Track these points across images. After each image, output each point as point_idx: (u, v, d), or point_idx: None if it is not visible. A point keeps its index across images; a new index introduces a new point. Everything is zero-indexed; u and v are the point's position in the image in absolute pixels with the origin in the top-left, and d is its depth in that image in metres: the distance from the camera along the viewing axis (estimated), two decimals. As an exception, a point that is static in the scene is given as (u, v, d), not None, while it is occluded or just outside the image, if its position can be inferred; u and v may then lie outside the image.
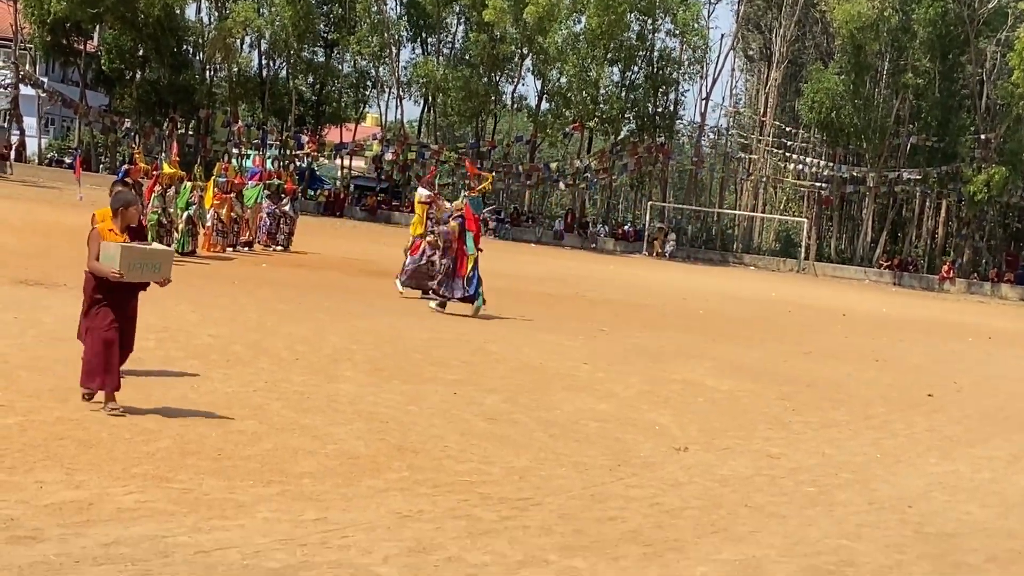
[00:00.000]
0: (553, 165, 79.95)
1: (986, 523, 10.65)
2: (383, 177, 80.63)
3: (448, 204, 26.13)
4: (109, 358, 10.98)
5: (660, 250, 72.45)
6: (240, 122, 78.39)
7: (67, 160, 73.00)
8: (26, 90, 77.96)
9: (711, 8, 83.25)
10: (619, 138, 78.09)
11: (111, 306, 11.21)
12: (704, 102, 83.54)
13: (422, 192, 27.01)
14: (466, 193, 26.91)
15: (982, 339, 33.71)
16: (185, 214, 30.36)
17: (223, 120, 79.23)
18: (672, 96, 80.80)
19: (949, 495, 11.67)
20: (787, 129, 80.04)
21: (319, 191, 79.14)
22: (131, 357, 12.00)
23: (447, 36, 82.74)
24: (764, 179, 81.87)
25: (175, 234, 30.00)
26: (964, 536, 10.06)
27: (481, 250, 24.32)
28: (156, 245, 11.30)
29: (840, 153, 76.51)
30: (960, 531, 10.21)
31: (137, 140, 72.58)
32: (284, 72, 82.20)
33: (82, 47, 79.32)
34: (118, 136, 76.30)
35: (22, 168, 69.23)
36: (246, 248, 35.45)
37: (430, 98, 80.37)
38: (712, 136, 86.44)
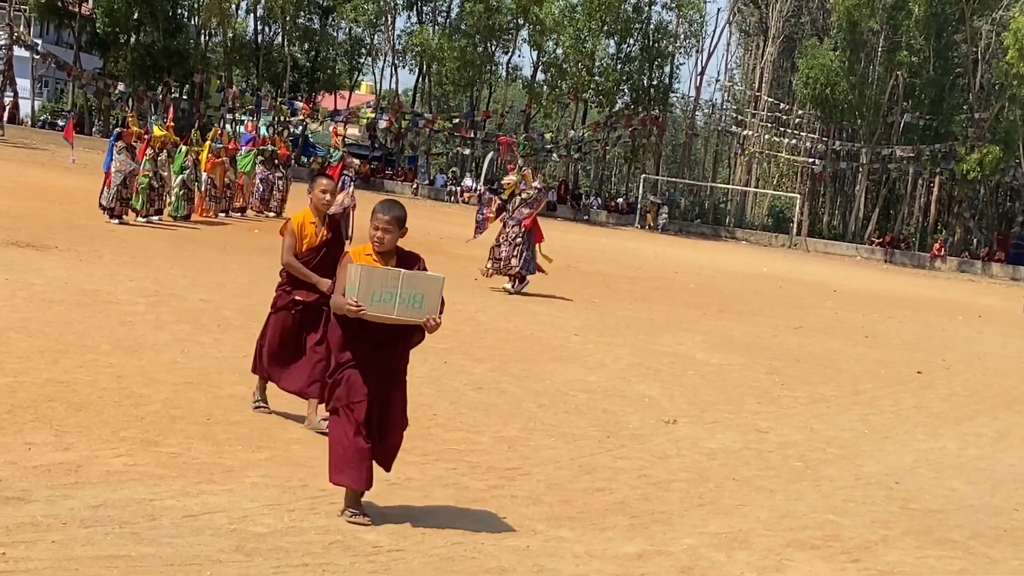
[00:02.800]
0: (547, 136, 79.83)
1: (972, 500, 10.69)
2: (377, 145, 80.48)
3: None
4: (357, 445, 7.73)
5: (652, 223, 72.40)
6: (235, 87, 78.13)
7: (60, 123, 72.65)
8: (20, 52, 77.58)
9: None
10: (614, 110, 77.95)
11: (362, 366, 7.76)
12: (699, 76, 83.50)
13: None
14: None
15: (971, 317, 33.77)
16: (179, 178, 30.30)
17: (217, 85, 78.94)
18: (667, 69, 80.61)
19: (935, 472, 11.71)
20: (781, 104, 79.95)
21: (312, 158, 78.98)
22: (131, 352, 11.97)
23: (443, 5, 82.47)
24: (757, 154, 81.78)
25: (168, 198, 29.97)
26: (950, 512, 10.10)
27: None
28: (420, 271, 7.73)
29: (834, 129, 76.43)
30: (946, 507, 10.25)
31: (131, 104, 72.33)
32: (279, 38, 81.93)
33: (77, 10, 78.95)
34: (111, 99, 76.01)
35: (14, 130, 68.96)
36: (239, 214, 35.41)
37: (425, 67, 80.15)
38: (706, 110, 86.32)
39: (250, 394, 10.94)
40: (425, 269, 7.93)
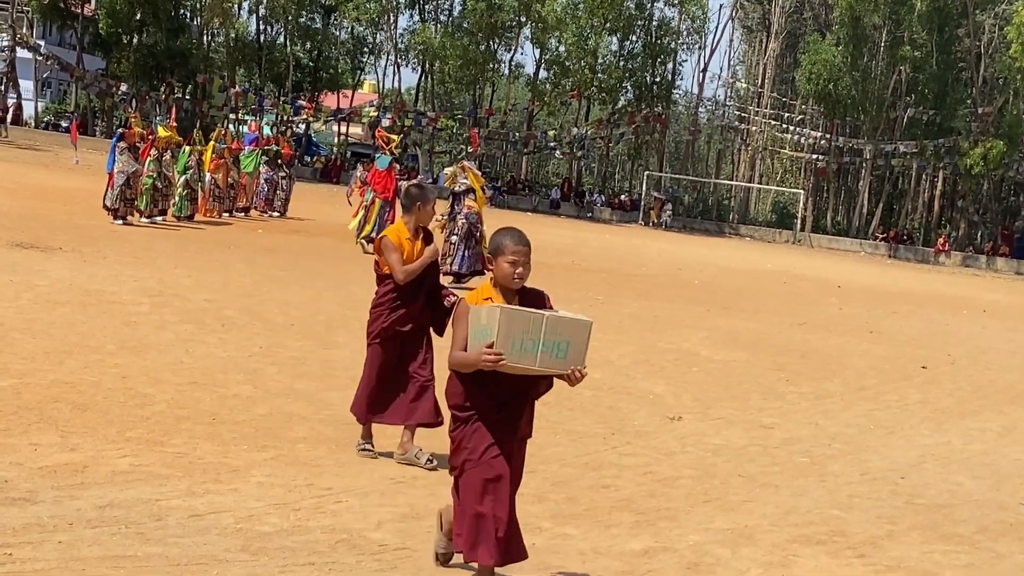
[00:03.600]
0: (550, 133, 79.86)
1: (977, 494, 10.69)
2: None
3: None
4: (495, 510, 6.46)
5: (656, 220, 72.39)
6: (237, 87, 78.18)
7: (64, 124, 72.80)
8: (23, 53, 77.65)
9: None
10: (617, 107, 77.96)
11: (490, 422, 6.54)
12: (702, 72, 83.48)
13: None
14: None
15: (976, 312, 33.73)
16: (183, 178, 30.32)
17: (220, 85, 78.98)
18: (670, 66, 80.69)
19: (941, 466, 11.70)
20: (784, 100, 79.91)
21: (315, 158, 79.01)
22: (135, 352, 11.99)
23: (445, 3, 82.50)
24: (761, 150, 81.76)
25: (173, 199, 29.99)
26: (955, 507, 10.09)
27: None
28: (562, 311, 6.45)
29: (837, 125, 76.40)
30: (951, 502, 10.25)
31: (134, 104, 72.40)
32: (281, 37, 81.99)
33: (79, 10, 79.00)
34: (115, 100, 76.08)
35: (18, 131, 69.02)
36: (242, 214, 35.43)
37: (427, 65, 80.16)
38: (709, 106, 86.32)
39: (256, 395, 10.94)
40: (553, 308, 6.67)
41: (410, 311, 9.45)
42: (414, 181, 13.23)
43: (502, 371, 6.21)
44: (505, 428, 6.55)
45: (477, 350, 6.16)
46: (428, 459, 9.27)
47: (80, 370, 11.08)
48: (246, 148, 36.89)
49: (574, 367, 6.31)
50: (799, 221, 76.85)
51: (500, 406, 6.52)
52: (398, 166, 30.05)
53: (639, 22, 78.04)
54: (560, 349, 6.26)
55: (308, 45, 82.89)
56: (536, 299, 6.71)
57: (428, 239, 9.62)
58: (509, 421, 6.59)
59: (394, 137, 31.70)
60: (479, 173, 24.26)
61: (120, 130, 29.80)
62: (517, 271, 6.55)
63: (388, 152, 28.58)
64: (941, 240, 72.50)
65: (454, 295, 9.16)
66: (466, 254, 23.22)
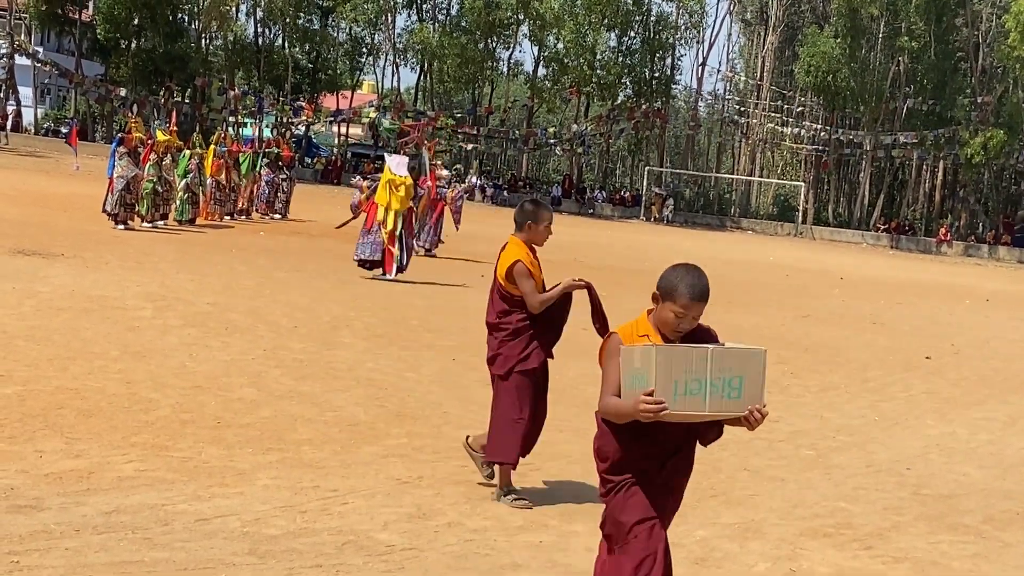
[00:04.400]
0: (550, 130, 79.86)
1: (983, 484, 10.68)
2: (380, 144, 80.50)
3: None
4: None
5: (658, 215, 72.39)
6: (236, 90, 78.20)
7: (63, 130, 72.83)
8: (21, 60, 77.66)
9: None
10: (616, 103, 77.96)
11: (649, 487, 5.56)
12: (700, 67, 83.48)
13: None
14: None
15: (979, 301, 33.72)
16: (183, 182, 30.32)
17: (219, 88, 79.03)
18: (668, 61, 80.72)
19: (946, 457, 11.69)
20: (783, 93, 79.88)
21: (316, 159, 79.01)
22: (139, 357, 11.97)
23: (443, 2, 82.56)
24: (761, 143, 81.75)
25: (174, 203, 30.00)
26: (961, 497, 10.09)
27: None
28: (729, 342, 5.45)
29: (836, 117, 76.40)
30: (957, 492, 10.24)
31: (134, 109, 72.49)
32: (280, 40, 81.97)
33: (77, 16, 79.01)
34: (114, 105, 76.09)
35: (18, 138, 69.03)
36: (243, 216, 35.45)
37: (426, 65, 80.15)
38: (709, 100, 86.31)
39: (260, 397, 10.95)
40: (718, 340, 5.58)
41: (551, 338, 9.06)
42: (529, 197, 12.13)
43: (665, 420, 5.16)
44: (666, 493, 5.61)
45: (633, 398, 5.12)
46: (490, 475, 8.95)
47: (84, 376, 11.08)
48: (244, 150, 36.96)
49: (752, 406, 5.29)
50: (800, 214, 76.86)
51: (662, 465, 5.53)
52: (443, 171, 30.20)
53: (637, 17, 78.07)
54: (732, 387, 5.24)
55: (307, 47, 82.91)
56: (704, 337, 5.57)
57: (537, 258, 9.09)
58: (671, 477, 5.62)
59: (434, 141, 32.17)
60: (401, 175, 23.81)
61: (120, 135, 29.77)
62: (681, 325, 5.50)
63: (430, 158, 29.25)
64: (943, 230, 72.49)
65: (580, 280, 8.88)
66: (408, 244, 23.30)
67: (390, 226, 22.55)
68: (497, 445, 8.70)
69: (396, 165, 23.69)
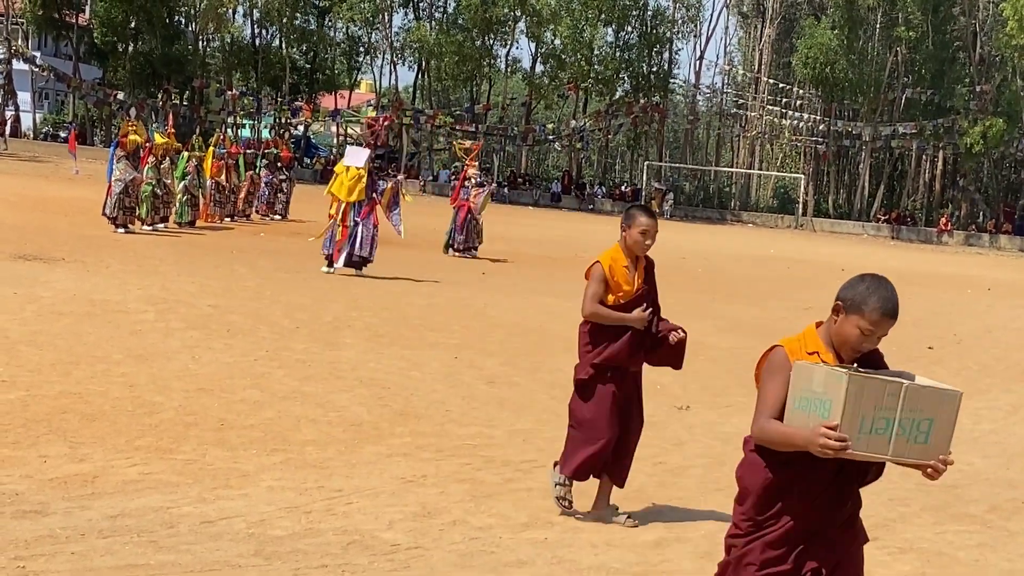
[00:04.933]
0: (549, 126, 79.86)
1: (988, 474, 10.68)
2: (379, 143, 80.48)
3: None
4: None
5: (658, 209, 72.37)
6: (234, 90, 78.23)
7: (62, 134, 72.86)
8: (19, 65, 77.68)
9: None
10: (614, 99, 77.96)
11: (798, 532, 4.75)
12: (698, 60, 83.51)
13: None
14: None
15: (981, 291, 33.72)
16: (182, 184, 30.31)
17: (217, 89, 79.07)
18: (666, 55, 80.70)
19: (950, 446, 11.67)
20: (782, 85, 79.87)
21: (315, 159, 79.00)
22: (142, 360, 11.97)
23: (439, 0, 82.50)
24: (760, 136, 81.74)
25: (174, 205, 30.00)
26: (966, 487, 10.09)
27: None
28: (919, 377, 4.84)
29: (835, 108, 76.38)
30: (962, 482, 10.24)
31: (131, 112, 72.47)
32: (277, 40, 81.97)
33: (74, 21, 79.03)
34: (112, 109, 76.12)
35: (17, 143, 69.02)
36: (244, 218, 35.46)
37: (424, 63, 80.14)
38: (707, 94, 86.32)
39: (263, 399, 10.95)
40: (885, 363, 5.01)
41: (631, 344, 8.27)
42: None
43: (842, 458, 4.46)
44: (824, 536, 4.79)
45: (808, 428, 4.41)
46: (628, 517, 8.25)
47: (87, 380, 11.08)
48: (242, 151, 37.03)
49: (937, 455, 4.66)
50: (800, 206, 76.84)
51: (816, 506, 4.72)
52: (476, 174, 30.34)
53: (634, 12, 78.08)
54: (920, 431, 4.62)
55: (304, 47, 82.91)
56: (875, 360, 5.00)
57: (648, 273, 8.50)
58: (831, 525, 4.80)
59: (467, 145, 32.29)
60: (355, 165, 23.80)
61: (117, 138, 29.79)
62: (864, 345, 4.86)
63: (461, 158, 29.68)
64: (943, 220, 72.47)
65: (680, 330, 8.34)
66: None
67: (339, 216, 22.85)
68: (576, 460, 8.21)
69: (352, 156, 23.78)
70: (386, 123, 71.40)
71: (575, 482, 8.29)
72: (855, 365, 4.74)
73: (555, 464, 8.40)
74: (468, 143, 32.99)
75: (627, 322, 8.15)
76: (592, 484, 8.42)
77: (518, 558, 7.28)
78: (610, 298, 8.23)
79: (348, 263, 22.66)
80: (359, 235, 22.74)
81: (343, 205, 22.81)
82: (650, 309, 8.34)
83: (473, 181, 29.87)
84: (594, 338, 8.26)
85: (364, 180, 22.92)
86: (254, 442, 9.47)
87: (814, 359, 4.72)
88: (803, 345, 4.87)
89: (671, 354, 8.45)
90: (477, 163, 30.52)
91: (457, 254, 28.87)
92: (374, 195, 23.25)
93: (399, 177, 24.87)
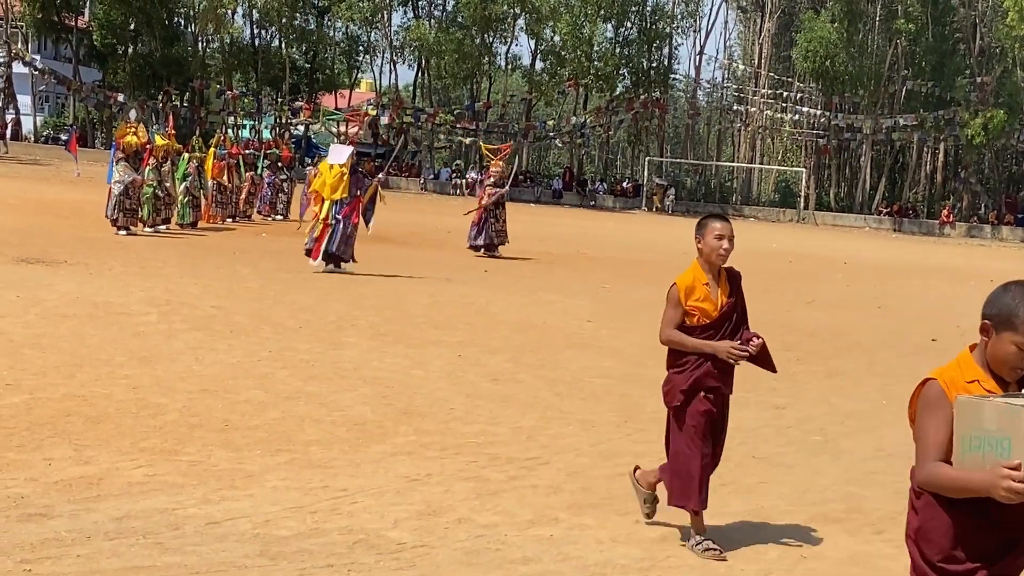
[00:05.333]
0: (549, 123, 79.85)
1: (993, 465, 10.66)
2: (380, 142, 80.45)
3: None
4: None
5: (659, 205, 72.39)
6: (234, 90, 78.24)
7: (63, 137, 72.85)
8: (19, 68, 77.69)
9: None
10: (615, 95, 77.94)
11: None
12: (698, 55, 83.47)
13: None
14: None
15: (984, 282, 33.68)
16: (183, 185, 30.32)
17: (216, 90, 79.08)
18: (666, 51, 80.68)
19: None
20: (782, 79, 79.84)
21: (316, 158, 78.99)
22: (145, 362, 11.95)
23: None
24: (761, 130, 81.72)
25: (175, 207, 30.02)
26: (972, 479, 10.06)
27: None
28: None
29: (836, 101, 76.33)
30: (968, 474, 10.22)
31: (131, 115, 72.38)
32: (276, 41, 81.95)
33: (73, 23, 79.04)
34: (113, 111, 76.12)
35: (18, 147, 69.05)
36: (246, 218, 35.49)
37: (423, 61, 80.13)
38: (707, 89, 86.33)
39: (267, 399, 10.95)
40: None
41: (721, 367, 7.78)
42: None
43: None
44: None
45: (987, 472, 3.88)
46: (709, 547, 7.65)
47: (91, 383, 11.08)
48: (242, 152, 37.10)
49: None
50: (802, 199, 76.82)
51: (1002, 553, 4.21)
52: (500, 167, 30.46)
53: (633, 8, 78.00)
54: None
55: (303, 47, 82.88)
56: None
57: (733, 285, 8.10)
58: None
59: (495, 148, 32.37)
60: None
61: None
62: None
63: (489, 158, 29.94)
64: (945, 212, 72.46)
65: (757, 335, 7.94)
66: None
67: (323, 214, 22.87)
68: (679, 490, 7.71)
69: (334, 154, 23.81)
70: (366, 119, 71.40)
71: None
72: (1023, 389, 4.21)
73: (667, 501, 7.82)
74: (498, 146, 33.35)
75: (709, 351, 7.63)
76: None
77: (524, 555, 7.28)
78: (693, 319, 7.75)
79: (325, 259, 22.73)
80: (338, 232, 22.80)
81: (325, 203, 22.87)
82: (740, 332, 7.97)
83: (491, 180, 29.88)
84: (682, 360, 7.75)
85: (347, 178, 22.94)
86: (259, 443, 9.47)
87: (975, 388, 4.28)
88: (961, 374, 4.46)
89: (759, 361, 8.02)
90: (503, 164, 30.44)
91: (478, 254, 28.88)
92: (358, 192, 23.28)
93: (380, 176, 24.79)
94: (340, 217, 22.77)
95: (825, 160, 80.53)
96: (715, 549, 7.55)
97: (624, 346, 16.10)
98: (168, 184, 29.17)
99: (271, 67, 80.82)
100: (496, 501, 8.38)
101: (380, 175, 24.77)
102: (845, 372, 15.51)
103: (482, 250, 28.91)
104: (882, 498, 9.22)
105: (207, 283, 19.35)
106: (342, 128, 78.75)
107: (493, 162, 30.57)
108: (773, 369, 8.14)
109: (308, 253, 22.94)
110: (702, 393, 7.65)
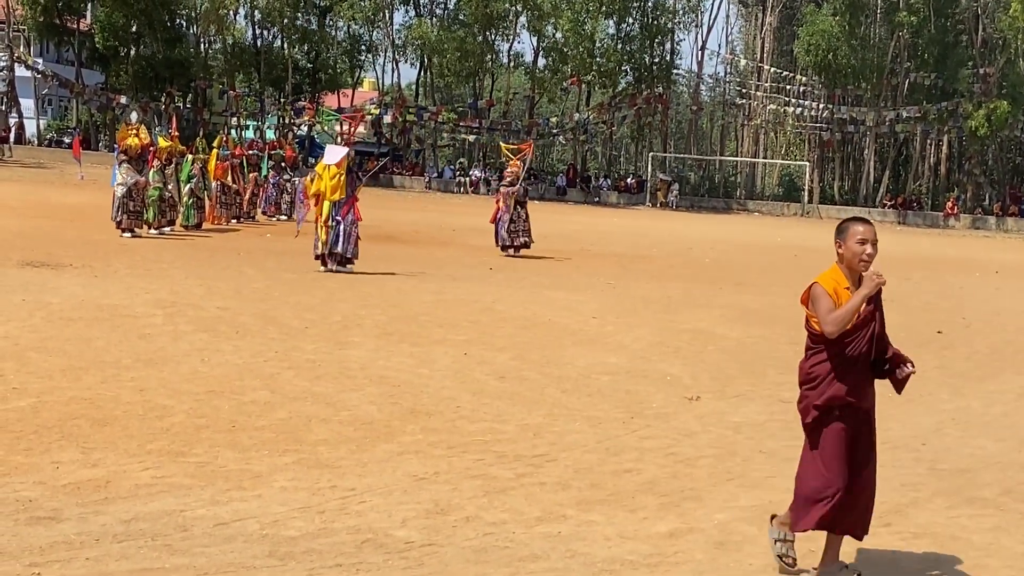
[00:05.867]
0: (553, 120, 79.84)
1: (1000, 457, 10.66)
2: (383, 141, 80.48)
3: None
4: None
5: (664, 200, 72.37)
6: (236, 90, 78.26)
7: (66, 140, 72.91)
8: (22, 72, 77.74)
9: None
10: (617, 91, 77.90)
11: None
12: (700, 50, 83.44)
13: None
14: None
15: (989, 274, 33.66)
16: (187, 187, 30.35)
17: (219, 91, 79.11)
18: (668, 46, 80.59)
19: (962, 431, 11.67)
20: (784, 73, 79.75)
21: (319, 158, 79.01)
22: (151, 364, 11.98)
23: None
24: (764, 124, 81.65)
25: (179, 208, 30.04)
26: (978, 471, 10.07)
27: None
28: None
29: (839, 94, 76.24)
30: (974, 466, 10.22)
31: (132, 117, 72.33)
32: (279, 41, 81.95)
33: (75, 26, 79.08)
34: (116, 114, 76.16)
35: (22, 150, 69.10)
36: (250, 219, 35.53)
37: (426, 60, 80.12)
38: (710, 84, 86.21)
39: (274, 399, 10.96)
40: None
41: (857, 382, 7.23)
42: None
43: None
44: None
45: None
46: (785, 552, 7.39)
47: (97, 385, 11.09)
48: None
49: None
50: (806, 193, 76.74)
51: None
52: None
53: (635, 3, 77.89)
54: None
55: (305, 47, 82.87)
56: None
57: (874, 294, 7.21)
58: None
59: (515, 147, 32.41)
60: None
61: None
62: None
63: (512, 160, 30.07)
64: (949, 204, 72.35)
65: (910, 363, 7.50)
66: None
67: (323, 215, 22.90)
68: (804, 513, 7.17)
69: (330, 154, 23.84)
70: (364, 118, 71.41)
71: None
72: None
73: (772, 517, 7.51)
74: (518, 145, 33.47)
75: (864, 293, 7.05)
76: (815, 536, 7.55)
77: (532, 552, 7.28)
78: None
79: (330, 259, 22.79)
80: (340, 233, 22.82)
81: (324, 204, 22.91)
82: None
83: (507, 180, 29.89)
84: (816, 374, 7.24)
85: (343, 178, 22.97)
86: (266, 443, 9.49)
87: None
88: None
89: (895, 382, 7.60)
90: (521, 163, 30.35)
91: (504, 253, 28.89)
92: (354, 193, 23.32)
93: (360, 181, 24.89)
94: (339, 218, 22.79)
95: (829, 153, 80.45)
96: (788, 557, 7.34)
97: (630, 342, 16.10)
98: (171, 186, 29.19)
99: (273, 67, 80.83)
100: (504, 499, 8.39)
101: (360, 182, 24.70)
102: (851, 365, 15.47)
103: (510, 250, 28.89)
104: (889, 490, 9.20)
105: (212, 284, 19.37)
106: (344, 128, 78.67)
107: (512, 162, 30.46)
108: (899, 391, 7.75)
109: (318, 258, 22.98)
110: (836, 411, 7.15)
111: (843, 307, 7.02)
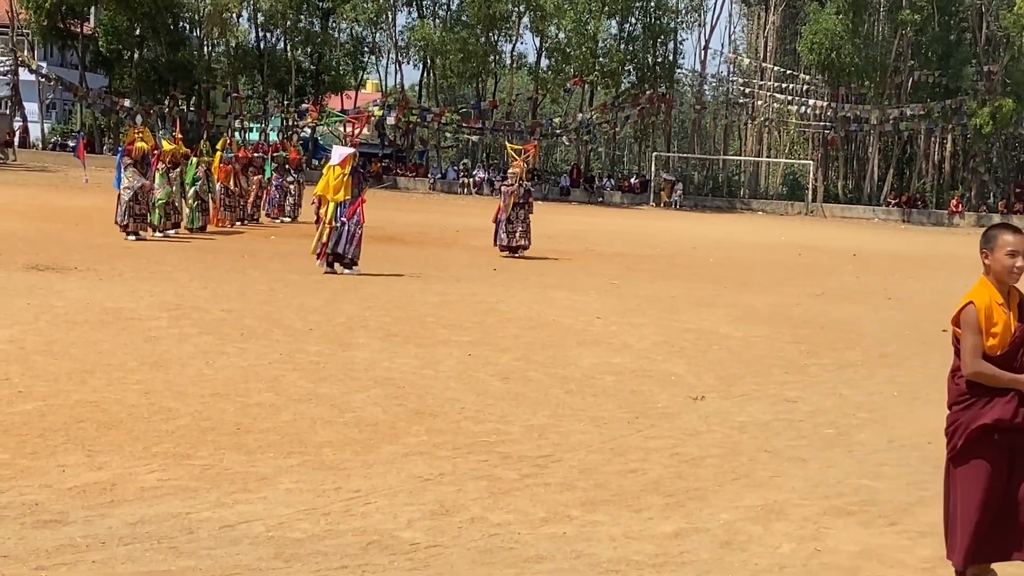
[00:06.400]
0: (556, 120, 79.84)
1: (1006, 455, 10.65)
2: (387, 143, 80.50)
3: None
4: None
5: (667, 200, 72.36)
6: (239, 92, 78.31)
7: (70, 144, 72.92)
8: (26, 76, 77.81)
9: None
10: (620, 91, 77.89)
11: None
12: (703, 50, 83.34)
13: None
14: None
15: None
16: (192, 190, 30.38)
17: (223, 93, 79.16)
18: (671, 46, 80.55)
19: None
20: (788, 72, 79.72)
21: (323, 160, 79.00)
22: (157, 367, 11.98)
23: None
24: (767, 123, 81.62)
25: (185, 210, 30.06)
26: (984, 469, 10.05)
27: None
28: None
29: (842, 93, 76.20)
30: (980, 464, 10.21)
31: (137, 120, 72.50)
32: (282, 44, 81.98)
33: (79, 29, 79.11)
34: (120, 117, 76.21)
35: (26, 154, 69.17)
36: (254, 221, 35.55)
37: (429, 61, 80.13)
38: (713, 83, 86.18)
39: (279, 402, 10.97)
40: None
41: (1009, 405, 6.51)
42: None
43: None
44: None
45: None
46: None
47: (103, 388, 11.10)
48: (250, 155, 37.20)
49: None
50: (810, 192, 76.74)
51: None
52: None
53: (637, 3, 77.86)
54: None
55: (308, 49, 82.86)
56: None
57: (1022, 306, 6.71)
58: None
59: (520, 148, 32.47)
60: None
61: (122, 147, 29.88)
62: None
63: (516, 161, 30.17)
64: (954, 202, 72.31)
65: None
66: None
67: (327, 216, 22.92)
68: (949, 539, 6.73)
69: (336, 155, 23.86)
70: (368, 119, 71.49)
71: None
72: None
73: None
74: (522, 145, 33.55)
75: (1015, 384, 6.45)
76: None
77: (537, 553, 7.28)
78: (992, 342, 6.60)
79: (334, 259, 22.82)
80: (343, 234, 22.84)
81: (329, 205, 22.93)
82: None
83: (509, 181, 29.88)
84: (971, 395, 6.60)
85: (347, 179, 22.98)
86: (271, 445, 9.49)
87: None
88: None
89: None
90: (524, 164, 30.34)
91: (502, 254, 28.88)
92: (360, 193, 23.33)
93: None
94: (344, 219, 22.80)
95: (832, 152, 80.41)
96: None
97: (634, 342, 16.10)
98: (173, 189, 29.21)
99: (277, 70, 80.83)
100: (509, 500, 8.39)
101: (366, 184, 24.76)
102: (856, 364, 15.48)
103: (506, 251, 28.88)
104: (895, 490, 9.21)
105: (217, 287, 19.38)
106: (347, 130, 78.67)
107: (516, 162, 30.44)
108: None
109: (318, 256, 23.01)
110: (995, 435, 6.49)
111: (995, 374, 6.46)
